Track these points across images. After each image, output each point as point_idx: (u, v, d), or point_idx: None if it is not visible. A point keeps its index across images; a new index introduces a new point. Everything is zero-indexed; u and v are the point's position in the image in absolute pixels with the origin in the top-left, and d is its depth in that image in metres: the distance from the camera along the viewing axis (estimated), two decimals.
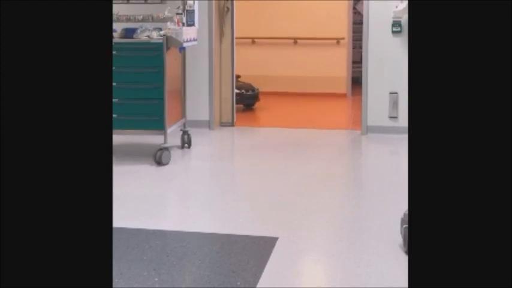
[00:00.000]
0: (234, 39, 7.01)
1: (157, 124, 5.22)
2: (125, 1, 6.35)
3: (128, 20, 5.68)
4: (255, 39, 9.33)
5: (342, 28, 9.14)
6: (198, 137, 6.04)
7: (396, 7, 6.20)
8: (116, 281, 2.96)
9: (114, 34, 5.38)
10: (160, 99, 5.19)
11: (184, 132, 5.81)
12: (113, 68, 5.22)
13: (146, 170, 5.09)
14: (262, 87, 8.36)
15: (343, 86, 9.23)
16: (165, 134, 5.22)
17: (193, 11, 5.60)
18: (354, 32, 9.22)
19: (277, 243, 3.44)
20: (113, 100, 5.23)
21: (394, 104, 6.33)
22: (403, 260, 3.18)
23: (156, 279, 2.99)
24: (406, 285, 2.77)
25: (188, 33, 5.46)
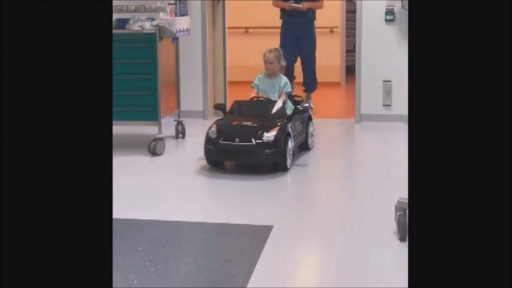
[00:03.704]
0: (226, 29, 6.99)
1: (151, 115, 5.22)
2: None
3: (120, 10, 5.65)
4: (248, 29, 9.30)
5: (335, 17, 9.11)
6: (192, 127, 6.04)
7: None
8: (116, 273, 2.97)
9: None
10: (154, 89, 5.18)
11: (179, 123, 5.81)
12: None
13: (141, 161, 5.09)
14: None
15: (336, 75, 9.22)
16: (159, 124, 5.22)
17: (186, 0, 5.58)
18: (347, 20, 9.20)
19: (272, 231, 3.45)
20: None
21: (388, 92, 6.34)
22: (397, 246, 3.21)
23: (152, 269, 3.00)
24: (400, 271, 2.79)
25: (181, 24, 5.44)
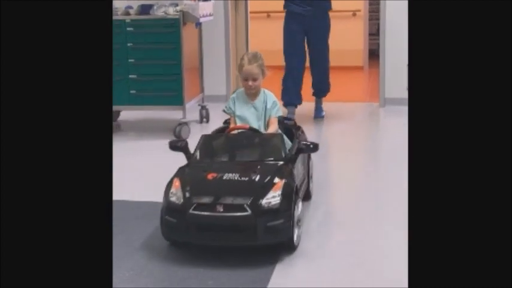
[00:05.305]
0: (248, 13, 6.99)
1: (176, 100, 5.27)
2: None
3: None
4: (270, 13, 9.28)
5: (358, 0, 9.05)
6: (215, 111, 6.07)
7: None
8: (141, 253, 3.03)
9: (131, 11, 5.41)
10: (178, 74, 5.23)
11: (203, 107, 5.85)
12: (130, 44, 5.27)
13: (166, 145, 5.13)
14: (278, 62, 8.29)
15: (359, 58, 9.18)
16: (183, 109, 5.28)
17: None
18: (370, 3, 9.14)
19: None
20: (131, 76, 5.29)
21: None
22: None
23: (178, 251, 3.05)
24: None
25: (204, 9, 5.46)
